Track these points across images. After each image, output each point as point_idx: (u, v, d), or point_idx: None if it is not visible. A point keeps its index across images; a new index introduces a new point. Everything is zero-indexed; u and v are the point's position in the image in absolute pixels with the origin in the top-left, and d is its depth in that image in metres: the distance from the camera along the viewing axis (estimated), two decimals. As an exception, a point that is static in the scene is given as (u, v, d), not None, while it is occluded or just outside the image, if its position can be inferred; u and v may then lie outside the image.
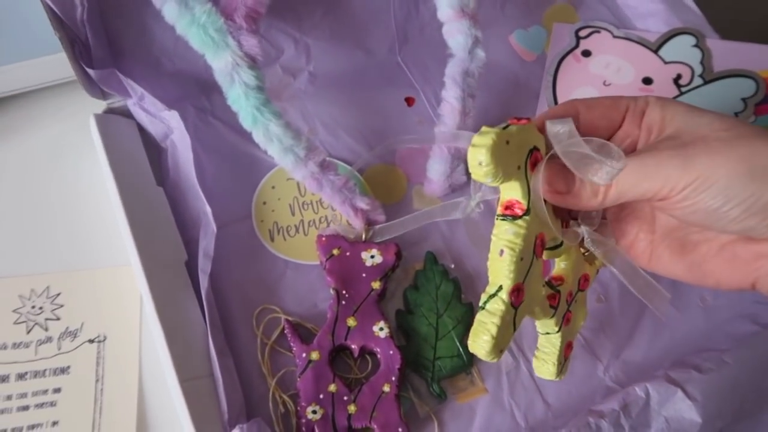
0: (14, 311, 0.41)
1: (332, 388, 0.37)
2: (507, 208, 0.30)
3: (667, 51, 0.54)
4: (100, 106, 0.45)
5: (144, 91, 0.43)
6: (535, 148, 0.30)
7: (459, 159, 0.44)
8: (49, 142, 0.47)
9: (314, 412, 0.36)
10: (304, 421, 0.36)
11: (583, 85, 0.54)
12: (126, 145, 0.45)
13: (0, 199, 0.45)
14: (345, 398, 0.37)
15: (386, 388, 0.37)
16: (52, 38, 0.39)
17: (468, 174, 0.45)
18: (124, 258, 0.42)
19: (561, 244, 0.33)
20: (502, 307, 0.29)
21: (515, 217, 0.29)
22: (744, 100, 0.51)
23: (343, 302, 0.39)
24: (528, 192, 0.29)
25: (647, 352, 0.42)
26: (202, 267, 0.40)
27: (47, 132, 0.47)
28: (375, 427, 0.37)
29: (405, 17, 0.52)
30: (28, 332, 0.40)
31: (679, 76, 0.53)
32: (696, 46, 0.54)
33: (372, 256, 0.41)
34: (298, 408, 0.37)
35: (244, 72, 0.39)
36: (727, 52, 0.54)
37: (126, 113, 0.46)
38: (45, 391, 0.39)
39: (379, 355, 0.39)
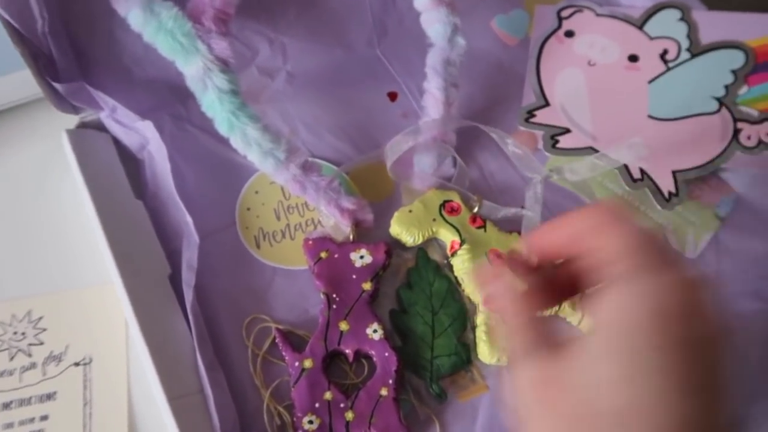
0: (-5, 339, 0.39)
1: (328, 395, 0.36)
2: (451, 248, 0.41)
3: (652, 26, 0.53)
4: (72, 120, 0.44)
5: (116, 103, 0.41)
6: (446, 201, 0.42)
7: (446, 150, 0.43)
8: (22, 161, 0.45)
9: (311, 422, 0.35)
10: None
11: (567, 66, 0.53)
12: (101, 160, 0.43)
13: (-25, 223, 0.43)
14: (342, 405, 0.36)
15: (384, 392, 0.36)
16: (15, 54, 0.38)
17: (456, 165, 0.44)
18: (106, 276, 0.41)
19: None
20: (482, 316, 0.39)
21: (457, 251, 0.40)
22: (734, 72, 0.50)
23: (334, 306, 0.38)
24: (456, 229, 0.41)
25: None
26: (186, 280, 0.38)
27: (19, 151, 0.46)
28: None
29: (382, 9, 0.51)
30: (11, 359, 0.39)
31: (665, 52, 0.52)
32: (682, 19, 0.53)
33: (361, 257, 0.39)
34: (294, 419, 0.36)
35: (217, 76, 0.38)
36: (714, 23, 0.52)
37: (99, 126, 0.45)
38: (32, 420, 0.37)
39: (374, 358, 0.38)
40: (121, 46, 0.43)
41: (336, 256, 0.39)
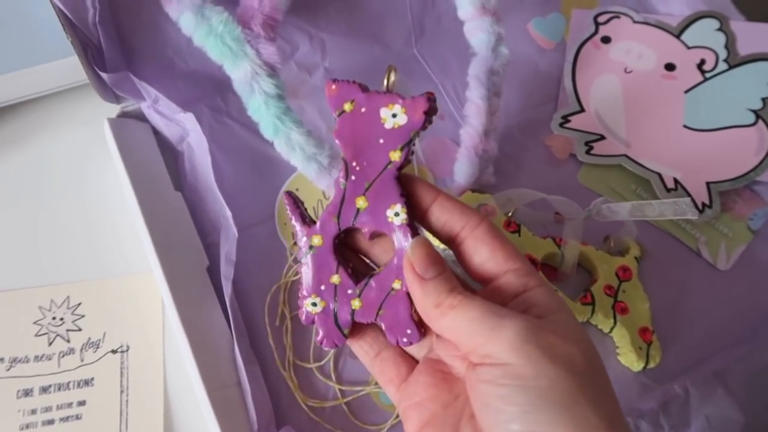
0: (35, 323, 0.40)
1: (335, 279, 0.31)
2: None
3: (690, 35, 0.53)
4: (113, 109, 0.44)
5: (158, 94, 0.42)
6: (481, 205, 0.42)
7: (488, 160, 0.43)
8: (62, 147, 0.46)
9: (314, 304, 0.31)
10: (304, 310, 0.31)
11: (603, 72, 0.53)
12: (141, 149, 0.44)
13: (15, 207, 0.44)
14: (349, 292, 0.31)
15: (397, 285, 0.30)
16: (61, 42, 0.38)
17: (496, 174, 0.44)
18: (142, 265, 0.42)
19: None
20: None
21: None
22: (771, 84, 0.50)
23: (353, 177, 0.30)
24: None
25: (681, 348, 0.41)
26: (225, 273, 0.39)
27: (60, 138, 0.46)
28: (381, 324, 0.30)
29: (421, 8, 0.51)
30: (50, 344, 0.39)
31: (702, 62, 0.52)
32: (720, 29, 0.52)
33: (394, 115, 0.29)
34: (299, 297, 0.31)
35: (264, 81, 0.38)
36: (753, 35, 0.52)
37: (140, 116, 0.45)
38: (70, 404, 0.38)
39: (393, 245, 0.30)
40: (165, 37, 0.43)
41: (363, 110, 0.30)
